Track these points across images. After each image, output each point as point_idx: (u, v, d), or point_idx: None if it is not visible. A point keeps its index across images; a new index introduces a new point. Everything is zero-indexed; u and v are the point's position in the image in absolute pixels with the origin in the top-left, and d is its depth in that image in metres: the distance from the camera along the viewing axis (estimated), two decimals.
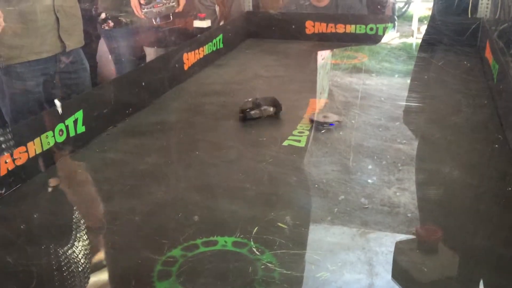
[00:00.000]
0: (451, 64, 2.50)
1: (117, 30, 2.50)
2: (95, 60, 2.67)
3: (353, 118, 1.84)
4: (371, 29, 2.98)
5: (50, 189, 1.38)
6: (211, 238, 1.12)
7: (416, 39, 3.39)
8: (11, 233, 1.17)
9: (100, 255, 1.12)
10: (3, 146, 1.31)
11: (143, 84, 1.98)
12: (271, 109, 1.84)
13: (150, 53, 2.68)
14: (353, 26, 3.00)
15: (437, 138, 1.67)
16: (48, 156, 1.47)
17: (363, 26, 2.99)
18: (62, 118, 1.53)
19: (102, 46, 2.64)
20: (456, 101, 2.01)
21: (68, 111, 1.56)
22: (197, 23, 2.67)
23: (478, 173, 1.44)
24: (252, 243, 1.10)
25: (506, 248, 1.10)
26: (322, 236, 1.14)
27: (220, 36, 2.72)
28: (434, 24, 2.84)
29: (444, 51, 2.72)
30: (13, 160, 1.33)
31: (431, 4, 3.24)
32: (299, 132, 1.71)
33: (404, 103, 2.03)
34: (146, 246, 1.10)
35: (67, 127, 1.55)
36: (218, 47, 2.69)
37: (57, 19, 1.86)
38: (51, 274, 1.03)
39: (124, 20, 2.45)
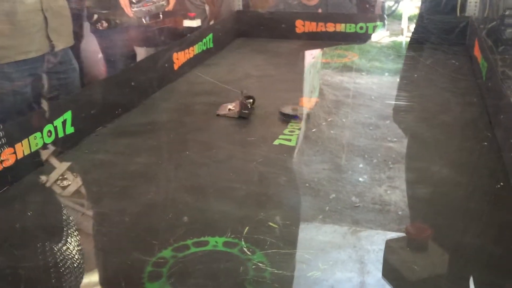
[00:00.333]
0: (439, 62, 2.52)
1: (108, 30, 2.48)
2: (80, 60, 2.65)
3: (343, 116, 1.84)
4: (361, 28, 2.99)
5: (40, 185, 1.36)
6: (202, 239, 1.11)
7: (405, 38, 3.41)
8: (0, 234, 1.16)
9: (90, 257, 1.11)
10: None
11: (133, 84, 1.97)
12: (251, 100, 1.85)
13: (141, 53, 2.66)
14: (343, 25, 3.00)
15: (427, 137, 1.68)
16: (37, 157, 1.45)
17: (353, 25, 3.00)
18: (50, 119, 1.51)
19: (89, 46, 2.62)
20: (445, 99, 2.03)
21: (57, 111, 1.54)
22: (187, 23, 2.66)
23: (468, 170, 1.45)
24: (243, 243, 1.09)
25: (495, 246, 1.10)
26: (313, 235, 1.14)
27: (210, 35, 2.71)
28: (423, 23, 2.86)
29: (432, 50, 2.73)
30: (1, 161, 1.32)
31: (419, 3, 3.26)
32: (289, 131, 1.71)
33: (394, 102, 2.04)
34: (137, 247, 1.09)
35: (55, 128, 1.53)
36: (208, 47, 2.68)
37: (45, 18, 1.84)
38: (40, 276, 1.02)
39: (115, 19, 2.43)
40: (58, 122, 1.54)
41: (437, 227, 1.15)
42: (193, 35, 2.55)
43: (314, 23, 3.04)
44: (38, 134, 1.45)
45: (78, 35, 2.35)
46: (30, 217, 1.24)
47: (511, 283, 0.99)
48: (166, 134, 1.74)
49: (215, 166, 1.48)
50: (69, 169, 1.46)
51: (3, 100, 1.80)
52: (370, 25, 2.99)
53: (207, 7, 3.03)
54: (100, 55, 2.62)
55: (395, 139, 1.64)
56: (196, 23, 2.66)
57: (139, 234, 1.14)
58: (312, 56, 2.73)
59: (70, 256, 1.09)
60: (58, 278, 1.02)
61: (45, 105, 1.52)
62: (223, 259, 1.05)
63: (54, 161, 1.48)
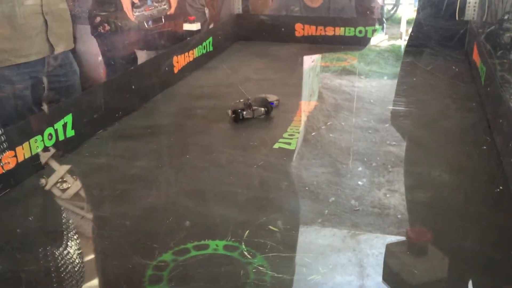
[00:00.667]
0: (438, 67, 2.53)
1: (110, 33, 2.49)
2: (80, 64, 2.66)
3: (343, 120, 1.85)
4: (360, 31, 3.00)
5: (41, 189, 1.37)
6: (202, 242, 1.11)
7: (404, 42, 3.42)
8: (0, 239, 1.16)
9: (91, 260, 1.12)
10: None
11: (133, 87, 1.98)
12: (262, 109, 1.85)
13: (142, 56, 2.67)
14: (342, 29, 3.02)
15: (426, 141, 1.69)
16: (37, 160, 1.45)
17: (352, 29, 3.01)
18: (51, 122, 1.52)
19: (91, 49, 2.63)
20: (444, 104, 2.03)
21: (57, 114, 1.55)
22: (187, 26, 2.67)
23: (467, 175, 1.45)
24: (243, 246, 1.10)
25: (495, 250, 1.11)
26: (313, 239, 1.14)
27: (210, 39, 2.72)
28: (421, 27, 2.87)
29: (431, 54, 2.74)
30: (2, 165, 1.32)
31: (417, 7, 3.27)
32: (289, 135, 1.71)
33: (392, 107, 2.04)
34: (137, 251, 1.09)
35: (56, 131, 1.53)
36: (208, 50, 2.69)
37: (46, 21, 1.85)
38: (41, 279, 1.02)
39: (117, 23, 2.44)
40: (58, 125, 1.55)
41: (436, 231, 1.16)
42: (193, 39, 2.56)
43: (313, 27, 3.05)
44: (38, 137, 1.46)
45: (78, 38, 2.36)
46: (30, 220, 1.24)
47: None
48: (167, 137, 1.75)
49: (215, 170, 1.49)
50: (70, 172, 1.46)
51: (4, 103, 1.80)
52: (369, 29, 3.00)
53: (206, 11, 3.04)
54: (100, 58, 2.63)
55: (394, 143, 1.65)
56: (196, 26, 2.67)
57: (139, 238, 1.15)
58: (312, 60, 2.75)
59: (71, 260, 1.10)
60: (59, 282, 1.02)
61: (45, 108, 1.53)
62: (224, 263, 1.05)
63: (54, 164, 1.49)
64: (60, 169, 1.47)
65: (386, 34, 3.27)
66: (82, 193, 1.40)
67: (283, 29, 3.09)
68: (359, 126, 1.79)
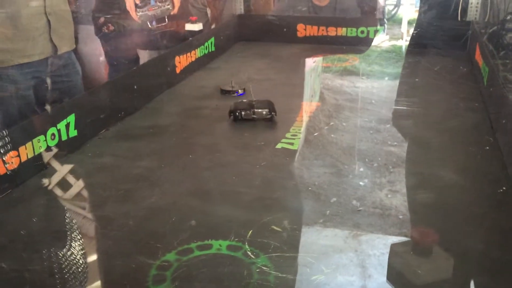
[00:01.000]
0: (440, 67, 2.53)
1: (113, 33, 2.50)
2: (83, 64, 2.67)
3: (344, 120, 1.85)
4: (362, 32, 3.00)
5: (43, 188, 1.37)
6: (206, 242, 1.12)
7: (405, 42, 3.42)
8: (4, 238, 1.17)
9: (94, 260, 1.12)
10: (2, 151, 1.31)
11: (135, 87, 1.98)
12: (264, 112, 1.85)
13: (144, 56, 2.67)
14: (344, 29, 3.02)
15: (428, 141, 1.69)
16: (40, 160, 1.46)
17: (354, 29, 3.01)
18: (54, 122, 1.52)
19: (94, 50, 2.64)
20: (446, 104, 2.04)
21: (60, 115, 1.55)
22: (189, 26, 2.67)
23: (469, 175, 1.45)
24: (246, 246, 1.10)
25: (499, 250, 1.11)
26: (315, 239, 1.15)
27: (212, 39, 2.72)
28: (423, 27, 2.87)
29: (432, 54, 2.74)
30: (5, 164, 1.33)
31: (419, 7, 3.27)
32: (292, 135, 1.72)
33: (394, 107, 2.05)
34: (141, 250, 1.10)
35: (59, 131, 1.54)
36: (210, 50, 2.69)
37: (49, 22, 1.86)
38: (44, 279, 1.03)
39: (121, 23, 2.45)
40: (61, 125, 1.55)
41: (439, 231, 1.16)
42: (195, 39, 2.57)
43: (315, 27, 3.05)
44: (41, 137, 1.46)
45: (82, 39, 2.37)
46: (33, 220, 1.25)
47: None
48: (169, 137, 1.75)
49: (218, 170, 1.49)
50: (73, 172, 1.47)
51: (7, 103, 1.81)
52: (371, 29, 3.00)
53: (208, 11, 3.05)
54: (103, 58, 2.64)
55: (395, 143, 1.65)
56: (198, 26, 2.67)
57: (143, 238, 1.15)
58: (313, 60, 2.75)
59: (74, 259, 1.10)
60: (62, 282, 1.03)
61: (48, 108, 1.53)
62: (227, 263, 1.05)
63: (57, 164, 1.49)
64: (63, 169, 1.48)
65: (387, 34, 3.27)
66: (85, 193, 1.40)
67: (285, 30, 3.09)
68: (361, 126, 1.80)
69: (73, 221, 1.28)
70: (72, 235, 1.21)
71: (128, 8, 2.30)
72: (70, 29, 2.00)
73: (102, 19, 2.47)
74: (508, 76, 1.88)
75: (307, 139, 1.69)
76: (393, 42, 3.37)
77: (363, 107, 2.00)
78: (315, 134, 1.73)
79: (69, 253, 1.12)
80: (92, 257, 1.14)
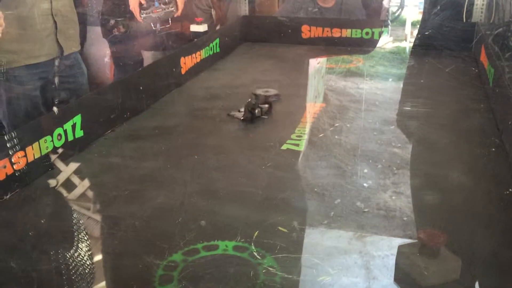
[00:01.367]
0: (445, 68, 2.53)
1: (121, 35, 2.51)
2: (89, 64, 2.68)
3: (348, 122, 1.86)
4: (367, 33, 3.00)
5: (51, 188, 1.38)
6: (212, 243, 1.13)
7: (409, 43, 3.42)
8: (13, 238, 1.18)
9: (101, 260, 1.13)
10: (9, 151, 1.32)
11: (141, 88, 1.99)
12: (266, 106, 1.86)
13: (148, 58, 2.68)
14: (349, 31, 3.02)
15: (433, 142, 1.69)
16: (47, 160, 1.47)
17: (359, 31, 3.01)
18: (60, 123, 1.53)
19: (101, 51, 2.65)
20: (451, 105, 2.04)
21: (66, 115, 1.56)
22: (194, 27, 2.68)
23: (476, 177, 1.46)
24: (253, 247, 1.11)
25: (506, 251, 1.11)
26: (320, 240, 1.15)
27: (217, 40, 2.73)
28: (428, 28, 2.87)
29: (438, 56, 2.74)
30: (12, 164, 1.34)
31: (425, 9, 3.27)
32: (297, 136, 1.72)
33: (399, 107, 2.05)
34: (147, 251, 1.11)
35: (65, 131, 1.55)
36: (214, 51, 2.70)
37: (55, 23, 1.87)
38: (52, 279, 1.04)
39: (129, 25, 2.46)
40: (68, 126, 1.56)
41: (446, 232, 1.16)
42: (200, 40, 2.57)
43: (320, 29, 3.06)
44: (48, 137, 1.48)
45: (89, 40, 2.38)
46: (40, 220, 1.26)
47: None
48: (175, 138, 1.76)
49: (224, 170, 1.50)
50: (79, 172, 1.48)
51: (14, 104, 1.82)
52: (376, 30, 3.00)
53: (213, 12, 3.05)
54: (108, 60, 2.65)
55: (399, 145, 1.65)
56: (203, 28, 2.68)
57: (149, 238, 1.16)
58: (317, 62, 2.76)
59: (81, 259, 1.11)
60: (70, 281, 1.04)
61: (55, 108, 1.54)
62: (234, 263, 1.06)
63: (63, 165, 1.51)
64: (69, 169, 1.49)
65: (390, 36, 3.27)
66: (92, 193, 1.41)
67: (289, 31, 3.09)
68: (365, 127, 1.80)
69: (80, 221, 1.29)
70: (80, 235, 1.22)
71: (132, 10, 2.31)
72: (76, 30, 2.01)
73: (112, 21, 2.48)
74: None
75: (312, 141, 1.70)
76: (397, 44, 3.37)
77: (367, 109, 2.00)
78: (320, 135, 1.74)
79: (76, 253, 1.13)
80: (99, 257, 1.15)
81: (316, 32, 3.07)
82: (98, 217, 1.30)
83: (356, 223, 1.21)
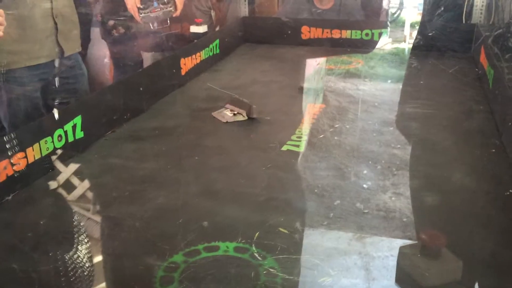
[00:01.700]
0: (445, 69, 2.53)
1: (121, 36, 2.51)
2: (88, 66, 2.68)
3: (347, 123, 1.86)
4: (367, 34, 3.01)
5: (51, 190, 1.38)
6: (213, 244, 1.13)
7: (408, 45, 3.43)
8: (13, 239, 1.18)
9: (101, 261, 1.13)
10: (9, 152, 1.32)
11: (141, 89, 2.00)
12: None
13: (148, 58, 2.69)
14: (348, 32, 3.02)
15: (432, 144, 1.69)
16: (47, 161, 1.47)
17: (359, 32, 3.01)
18: (61, 124, 1.53)
19: (98, 52, 2.65)
20: (451, 106, 2.04)
21: (67, 116, 1.56)
22: (194, 28, 2.69)
23: (476, 178, 1.46)
24: (254, 248, 1.11)
25: (507, 252, 1.11)
26: (320, 241, 1.15)
27: (217, 41, 2.73)
28: (427, 30, 2.87)
29: (437, 57, 2.75)
30: (12, 166, 1.34)
31: (424, 10, 3.27)
32: (297, 137, 1.73)
33: (398, 108, 2.05)
34: (148, 252, 1.11)
35: (65, 132, 1.55)
36: (214, 52, 2.71)
37: (56, 24, 1.87)
38: (52, 280, 1.04)
39: (128, 25, 2.47)
40: (68, 127, 1.56)
41: (446, 233, 1.16)
42: (199, 41, 2.58)
43: (320, 29, 3.06)
44: (48, 138, 1.48)
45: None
46: (40, 221, 1.26)
47: None
48: (175, 139, 1.76)
49: (225, 171, 1.50)
50: (79, 173, 1.48)
51: (15, 105, 1.82)
52: (376, 31, 3.01)
53: (213, 13, 3.06)
54: (108, 61, 2.65)
55: (399, 146, 1.66)
56: (202, 29, 2.68)
57: (150, 239, 1.16)
58: (317, 62, 2.76)
59: (81, 261, 1.11)
60: (71, 282, 1.04)
61: (55, 110, 1.54)
62: (234, 264, 1.06)
63: (64, 166, 1.51)
64: (70, 171, 1.49)
65: (389, 37, 3.27)
66: (92, 194, 1.42)
67: (289, 32, 3.10)
68: (364, 129, 1.81)
69: (80, 222, 1.29)
70: (80, 236, 1.22)
71: (130, 10, 2.31)
72: (76, 31, 2.01)
73: (111, 22, 2.48)
74: None
75: (312, 142, 1.70)
76: (396, 45, 3.37)
77: (366, 110, 2.00)
78: (320, 136, 1.74)
79: (76, 254, 1.13)
80: (100, 258, 1.15)
81: (316, 33, 3.07)
82: (98, 218, 1.30)
83: (356, 224, 1.22)
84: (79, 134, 1.62)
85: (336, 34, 3.04)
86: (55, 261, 1.09)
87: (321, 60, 2.80)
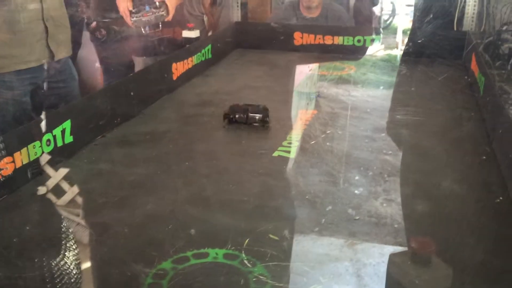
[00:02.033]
0: (436, 76, 2.54)
1: (107, 39, 2.50)
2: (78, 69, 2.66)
3: (340, 129, 1.86)
4: (359, 40, 3.02)
5: (39, 195, 1.37)
6: (202, 250, 1.12)
7: (400, 51, 3.45)
8: None
9: (89, 268, 1.12)
10: None
11: (132, 94, 1.98)
12: (257, 117, 1.85)
13: (139, 63, 2.67)
14: (341, 38, 3.03)
15: (423, 151, 1.70)
16: (35, 166, 1.45)
17: (351, 38, 3.03)
18: (49, 128, 1.52)
19: (88, 55, 2.63)
20: (442, 113, 2.05)
21: (56, 120, 1.55)
22: (186, 33, 2.68)
23: (466, 185, 1.46)
24: (243, 255, 1.10)
25: (496, 259, 1.11)
26: (311, 248, 1.15)
27: (209, 46, 2.73)
28: (418, 37, 2.89)
29: (428, 64, 2.76)
30: None
31: (415, 17, 3.30)
32: (288, 143, 1.72)
33: (389, 115, 2.05)
34: (136, 258, 1.09)
35: (54, 137, 1.54)
36: (207, 57, 2.70)
37: (46, 28, 1.86)
38: (39, 287, 1.02)
39: (115, 28, 2.45)
40: (57, 131, 1.55)
41: (435, 240, 1.16)
42: (192, 46, 2.57)
43: (312, 35, 3.07)
44: (37, 143, 1.46)
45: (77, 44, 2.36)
46: (28, 227, 1.24)
47: None
48: (166, 144, 1.75)
49: (215, 177, 1.49)
50: (68, 178, 1.46)
51: (3, 109, 1.80)
52: (368, 38, 3.02)
53: (205, 18, 3.06)
54: (98, 64, 2.63)
55: (390, 152, 1.66)
56: (194, 33, 2.68)
57: (138, 245, 1.15)
58: (309, 68, 2.76)
59: (69, 267, 1.09)
60: None
61: (44, 114, 1.53)
62: (224, 271, 1.05)
63: (52, 171, 1.49)
64: (58, 176, 1.47)
65: (382, 43, 3.29)
66: (80, 199, 1.40)
67: (282, 38, 3.10)
68: (356, 135, 1.80)
69: (68, 228, 1.27)
70: (67, 242, 1.20)
71: (122, 13, 2.30)
72: (67, 35, 2.00)
73: (94, 24, 2.46)
74: (504, 86, 1.89)
75: (304, 148, 1.70)
76: (388, 52, 3.39)
77: (358, 116, 2.00)
78: (311, 142, 1.74)
79: (63, 260, 1.11)
80: (87, 265, 1.13)
81: (308, 39, 3.08)
82: (86, 223, 1.29)
83: (347, 231, 1.21)
84: (69, 138, 1.60)
85: (328, 40, 3.05)
86: (42, 267, 1.08)
87: (314, 66, 2.81)
